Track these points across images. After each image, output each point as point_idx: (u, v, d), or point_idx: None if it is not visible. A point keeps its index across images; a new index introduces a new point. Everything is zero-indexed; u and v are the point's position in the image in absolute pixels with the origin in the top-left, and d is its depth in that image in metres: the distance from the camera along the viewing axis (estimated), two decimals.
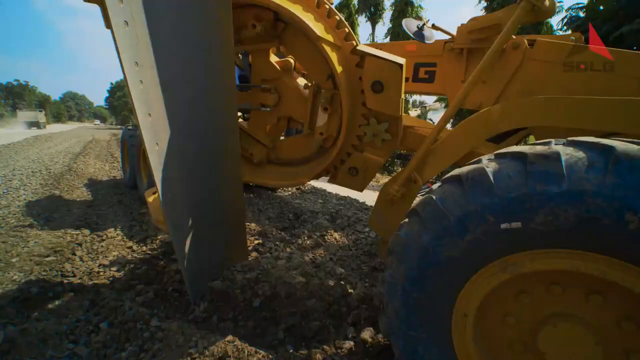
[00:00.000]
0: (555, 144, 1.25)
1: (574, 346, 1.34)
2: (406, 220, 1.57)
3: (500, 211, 1.23)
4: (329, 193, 7.55)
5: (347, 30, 2.27)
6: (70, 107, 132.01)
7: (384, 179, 12.62)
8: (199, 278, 2.46)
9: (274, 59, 2.73)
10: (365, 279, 3.35)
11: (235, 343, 2.12)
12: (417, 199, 1.63)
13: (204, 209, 2.30)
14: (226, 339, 2.18)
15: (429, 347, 1.52)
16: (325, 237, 4.42)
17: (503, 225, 1.22)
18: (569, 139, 1.24)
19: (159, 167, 1.99)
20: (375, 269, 3.63)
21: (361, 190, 2.65)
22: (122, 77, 1.77)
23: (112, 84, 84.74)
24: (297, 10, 2.18)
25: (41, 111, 53.45)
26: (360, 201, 6.90)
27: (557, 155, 1.15)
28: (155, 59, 1.82)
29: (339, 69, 2.20)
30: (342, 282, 3.09)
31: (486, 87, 2.44)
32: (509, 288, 1.41)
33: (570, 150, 1.17)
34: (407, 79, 2.95)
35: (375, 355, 2.16)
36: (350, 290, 2.93)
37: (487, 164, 1.33)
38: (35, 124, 46.25)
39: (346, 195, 7.39)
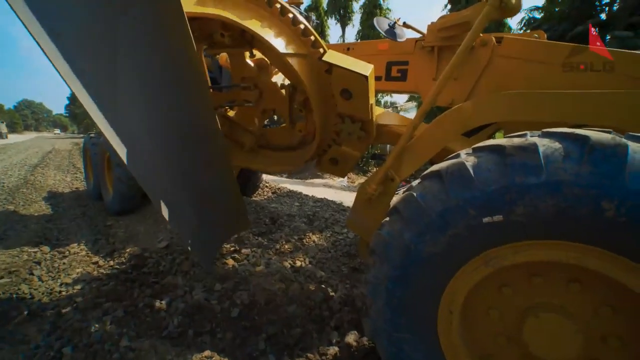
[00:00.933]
0: (531, 136, 1.26)
1: (557, 335, 1.35)
2: (387, 218, 1.54)
3: (481, 205, 1.22)
4: (305, 196, 7.48)
5: (313, 38, 2.22)
6: (26, 116, 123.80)
7: (359, 179, 12.71)
8: (206, 250, 2.63)
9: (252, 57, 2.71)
10: (346, 280, 3.30)
11: (213, 358, 2.01)
12: (397, 197, 1.60)
13: (197, 193, 2.35)
14: (203, 354, 2.07)
15: (415, 347, 1.49)
16: (304, 241, 4.35)
17: (485, 219, 1.21)
18: (544, 130, 1.25)
19: (147, 182, 1.94)
20: (355, 269, 3.60)
21: (343, 177, 2.87)
22: None
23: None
24: (256, 27, 2.13)
25: (2, 122, 56.72)
26: (337, 202, 6.88)
27: (534, 147, 1.16)
28: (120, 97, 1.74)
29: (306, 78, 2.20)
30: (322, 286, 3.03)
31: (457, 84, 2.47)
32: (491, 281, 1.40)
33: (546, 141, 1.18)
34: (379, 78, 2.96)
35: (361, 358, 2.11)
36: (331, 294, 2.88)
37: (466, 158, 1.32)
38: None
39: (322, 197, 7.36)
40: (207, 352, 2.06)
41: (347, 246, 4.25)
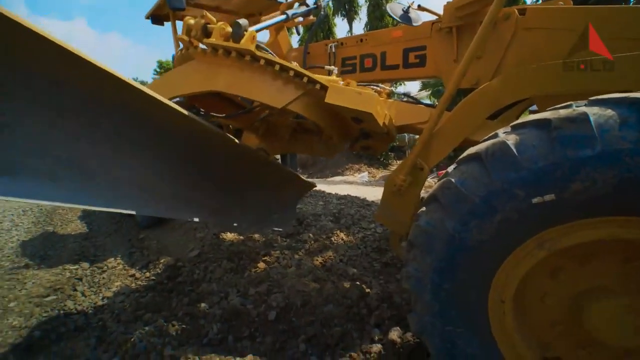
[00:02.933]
0: (577, 106, 1.16)
1: (620, 318, 1.25)
2: (424, 208, 1.47)
3: (530, 184, 1.14)
4: (328, 194, 7.44)
5: (306, 79, 2.12)
6: None
7: (380, 173, 12.55)
8: (282, 218, 3.22)
9: None
10: (379, 276, 3.24)
11: None
12: (434, 185, 1.53)
13: (246, 192, 2.77)
14: (245, 359, 2.06)
15: (469, 340, 1.41)
16: (332, 239, 4.31)
17: (535, 200, 1.13)
18: (592, 98, 1.15)
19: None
20: (387, 264, 3.53)
21: (379, 155, 3.15)
22: None
23: None
24: (247, 92, 2.18)
25: None
26: (361, 198, 6.80)
27: (585, 116, 1.06)
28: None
29: (311, 114, 2.23)
30: (357, 283, 2.98)
31: (481, 63, 2.35)
32: (544, 266, 1.31)
33: (596, 109, 1.08)
34: (397, 66, 2.88)
35: (406, 355, 2.05)
36: (367, 290, 2.82)
37: (506, 137, 1.24)
38: None
39: (346, 194, 7.30)
40: (249, 357, 2.06)
41: (377, 241, 4.18)
